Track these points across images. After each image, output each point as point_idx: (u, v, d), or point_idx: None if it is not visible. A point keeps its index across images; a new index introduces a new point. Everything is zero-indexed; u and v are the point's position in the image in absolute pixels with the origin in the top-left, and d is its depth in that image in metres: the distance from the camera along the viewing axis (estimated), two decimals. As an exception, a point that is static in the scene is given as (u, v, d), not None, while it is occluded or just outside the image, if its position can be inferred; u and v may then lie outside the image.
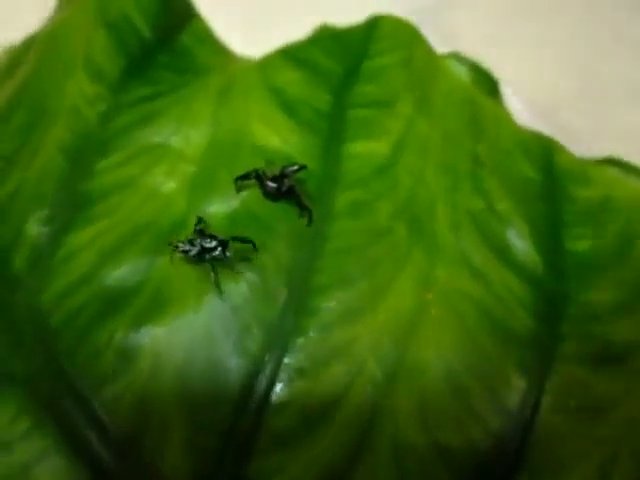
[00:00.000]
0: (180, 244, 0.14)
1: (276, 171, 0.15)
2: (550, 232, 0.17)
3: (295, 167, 0.15)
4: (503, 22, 0.35)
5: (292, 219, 0.15)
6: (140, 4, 0.19)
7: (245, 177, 0.15)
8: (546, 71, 0.33)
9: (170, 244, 0.14)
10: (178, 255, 0.14)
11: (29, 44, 0.20)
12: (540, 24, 0.35)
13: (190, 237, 0.14)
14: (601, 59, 0.34)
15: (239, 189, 0.15)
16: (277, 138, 0.16)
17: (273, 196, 0.15)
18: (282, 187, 0.15)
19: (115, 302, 0.13)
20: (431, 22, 0.34)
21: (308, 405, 0.13)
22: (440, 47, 0.20)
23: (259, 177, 0.15)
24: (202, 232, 0.14)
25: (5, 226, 0.15)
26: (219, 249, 0.14)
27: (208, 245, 0.14)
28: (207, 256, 0.14)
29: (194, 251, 0.14)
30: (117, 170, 0.16)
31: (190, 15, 0.21)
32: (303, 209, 0.15)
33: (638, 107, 0.32)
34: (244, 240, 0.14)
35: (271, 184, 0.15)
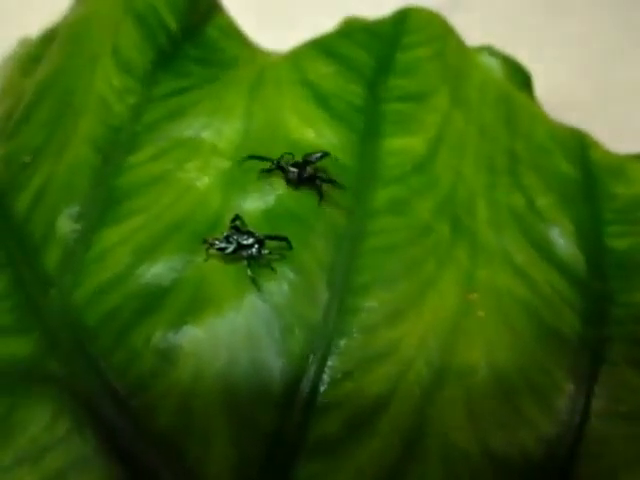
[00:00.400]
0: (216, 241, 0.14)
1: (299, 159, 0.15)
2: (591, 230, 0.16)
3: (318, 154, 0.15)
4: (510, 22, 0.35)
5: (331, 216, 0.14)
6: (167, -5, 0.18)
7: (269, 170, 0.15)
8: (558, 71, 0.32)
9: (205, 241, 0.14)
10: (213, 252, 0.14)
11: (49, 37, 0.20)
12: (550, 24, 0.35)
13: (226, 233, 0.14)
14: (614, 59, 0.34)
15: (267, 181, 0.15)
16: (312, 132, 0.16)
17: (294, 183, 0.15)
18: (303, 174, 0.15)
19: (152, 301, 0.13)
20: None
21: (354, 408, 0.12)
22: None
23: (280, 165, 0.15)
24: (238, 229, 0.14)
25: (35, 222, 0.15)
26: (255, 246, 0.14)
27: (245, 242, 0.14)
28: (243, 253, 0.14)
29: (230, 248, 0.14)
30: (149, 165, 0.15)
31: (215, 8, 0.20)
32: (322, 197, 0.15)
33: None
34: (280, 238, 0.14)
35: (292, 169, 0.15)
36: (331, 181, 0.15)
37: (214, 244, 0.14)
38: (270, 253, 0.14)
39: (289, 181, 0.15)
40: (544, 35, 0.34)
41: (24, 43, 0.22)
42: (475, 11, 0.34)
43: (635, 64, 0.33)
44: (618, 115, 0.31)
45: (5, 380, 0.13)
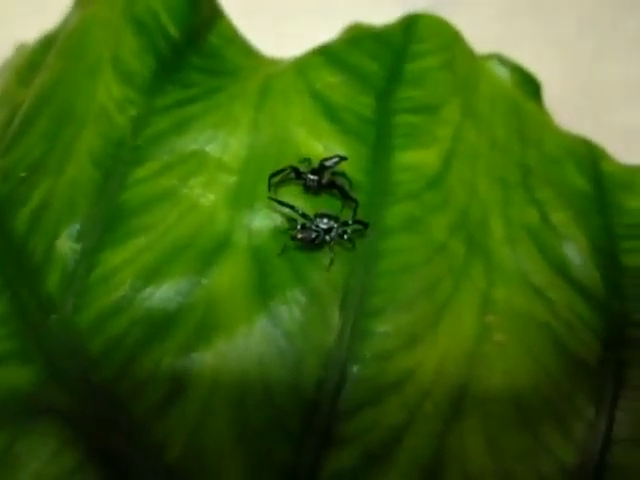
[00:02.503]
0: (298, 233, 0.13)
1: (315, 165, 0.15)
2: (606, 246, 0.16)
3: (335, 159, 0.15)
4: (503, 21, 0.35)
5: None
6: (167, 2, 0.18)
7: (280, 172, 0.14)
8: (548, 69, 0.32)
9: (293, 237, 0.13)
10: (294, 244, 0.13)
11: (48, 43, 0.19)
12: (541, 23, 0.34)
13: (301, 223, 0.13)
14: (604, 59, 0.34)
15: (274, 187, 0.14)
16: (321, 146, 0.15)
17: (315, 189, 0.14)
18: (323, 179, 0.14)
19: (159, 327, 0.12)
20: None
21: (370, 440, 0.12)
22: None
23: (297, 172, 0.14)
24: (307, 215, 0.14)
25: (35, 242, 0.14)
26: (338, 228, 0.13)
27: (326, 226, 0.13)
28: (328, 238, 0.13)
29: (315, 234, 0.13)
30: (153, 181, 0.14)
31: (216, 15, 0.20)
32: (346, 198, 0.14)
33: (638, 104, 0.32)
34: (355, 221, 0.14)
35: (312, 177, 0.14)
36: (349, 185, 0.14)
37: (297, 236, 0.13)
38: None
39: (308, 188, 0.14)
40: (532, 34, 0.34)
41: (21, 49, 0.21)
42: (463, 11, 0.34)
43: (623, 63, 0.33)
44: (607, 113, 0.31)
45: (6, 411, 0.12)
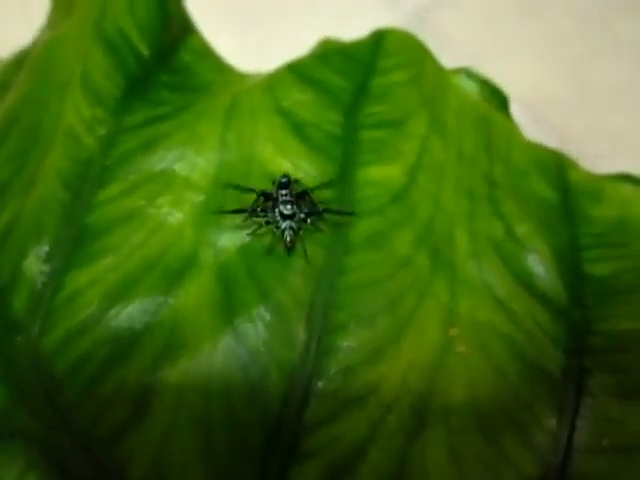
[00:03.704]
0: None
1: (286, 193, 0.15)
2: (570, 256, 0.16)
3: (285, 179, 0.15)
4: (494, 24, 0.35)
5: (308, 253, 0.14)
6: (138, 20, 0.18)
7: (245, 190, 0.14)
8: (538, 74, 0.32)
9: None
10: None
11: (20, 60, 0.19)
12: (532, 26, 0.35)
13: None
14: (594, 61, 0.34)
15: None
16: (289, 164, 0.15)
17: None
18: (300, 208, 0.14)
19: (124, 347, 0.13)
20: (422, 24, 0.33)
21: (334, 455, 0.12)
22: (431, 50, 0.20)
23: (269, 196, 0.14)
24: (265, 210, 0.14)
25: (2, 263, 0.14)
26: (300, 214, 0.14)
27: (289, 212, 0.14)
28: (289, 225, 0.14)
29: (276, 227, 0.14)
30: (120, 201, 0.15)
31: (187, 30, 0.20)
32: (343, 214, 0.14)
33: (630, 110, 0.32)
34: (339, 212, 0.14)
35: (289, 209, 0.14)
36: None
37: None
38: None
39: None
40: (526, 37, 0.34)
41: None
42: (455, 15, 0.34)
43: (613, 65, 0.33)
44: (596, 114, 0.32)
45: (-29, 434, 0.12)
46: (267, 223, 0.14)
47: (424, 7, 0.34)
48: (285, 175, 0.15)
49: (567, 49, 0.34)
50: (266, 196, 0.15)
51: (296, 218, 0.14)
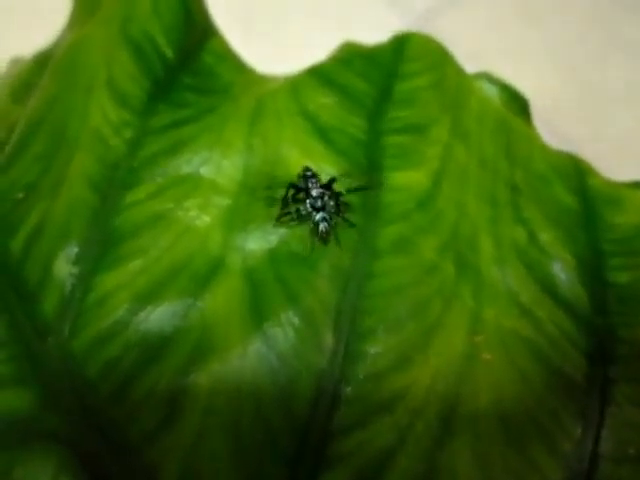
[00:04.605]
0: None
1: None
2: (592, 264, 0.16)
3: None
4: (498, 28, 0.35)
5: (335, 257, 0.14)
6: (163, 22, 0.18)
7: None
8: (544, 76, 0.32)
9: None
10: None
11: (42, 61, 0.19)
12: (538, 29, 0.35)
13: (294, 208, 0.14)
14: (599, 64, 0.34)
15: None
16: (314, 167, 0.15)
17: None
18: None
19: (155, 350, 0.13)
20: (427, 28, 0.33)
21: (362, 461, 0.12)
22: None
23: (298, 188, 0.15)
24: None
25: (31, 265, 0.14)
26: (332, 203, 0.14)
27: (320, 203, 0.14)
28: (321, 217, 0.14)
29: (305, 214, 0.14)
30: (148, 203, 0.15)
31: (210, 32, 0.20)
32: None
33: (635, 113, 0.32)
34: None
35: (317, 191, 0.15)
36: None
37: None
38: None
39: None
40: (530, 40, 0.34)
41: (16, 64, 0.21)
42: (462, 19, 0.34)
43: (618, 68, 0.33)
44: (600, 118, 0.32)
45: (3, 437, 0.12)
46: (299, 217, 0.14)
47: (429, 10, 0.34)
48: (308, 168, 0.15)
49: (571, 53, 0.34)
50: (296, 189, 0.15)
51: (327, 209, 0.14)
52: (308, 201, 0.14)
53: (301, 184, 0.15)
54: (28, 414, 0.12)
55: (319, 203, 0.15)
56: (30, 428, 0.12)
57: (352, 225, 0.14)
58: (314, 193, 0.15)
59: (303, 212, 0.14)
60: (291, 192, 0.14)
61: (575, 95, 0.32)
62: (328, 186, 0.15)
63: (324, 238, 0.14)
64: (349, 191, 0.15)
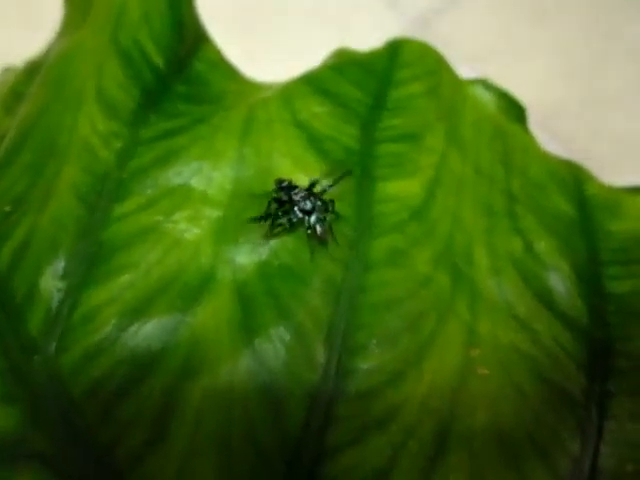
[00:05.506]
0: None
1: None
2: (590, 273, 0.16)
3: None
4: (500, 30, 0.35)
5: (327, 270, 0.14)
6: (153, 31, 0.18)
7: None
8: (543, 79, 0.32)
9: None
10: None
11: (32, 71, 0.19)
12: (537, 31, 0.35)
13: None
14: (601, 65, 0.34)
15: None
16: (306, 179, 0.15)
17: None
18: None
19: (143, 367, 0.12)
20: (427, 30, 0.33)
21: (356, 480, 0.12)
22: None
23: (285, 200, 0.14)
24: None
25: (18, 279, 0.14)
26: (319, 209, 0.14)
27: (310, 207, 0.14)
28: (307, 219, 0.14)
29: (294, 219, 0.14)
30: (137, 216, 0.14)
31: (201, 39, 0.20)
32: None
33: (637, 114, 0.32)
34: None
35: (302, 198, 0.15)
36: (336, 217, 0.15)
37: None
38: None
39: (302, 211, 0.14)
40: (530, 44, 0.34)
41: (6, 73, 0.21)
42: (459, 23, 0.34)
43: (620, 69, 0.33)
44: (602, 119, 0.31)
45: (-12, 456, 0.12)
46: (292, 225, 0.14)
47: (428, 12, 0.34)
48: (280, 180, 0.15)
49: (573, 54, 0.34)
50: (280, 202, 0.14)
51: (317, 209, 0.14)
52: (296, 208, 0.14)
53: (282, 197, 0.14)
54: (13, 433, 0.12)
55: (308, 205, 0.14)
56: (15, 447, 0.12)
57: (340, 216, 0.14)
58: (299, 198, 0.14)
59: (294, 220, 0.14)
60: (274, 206, 0.14)
61: (577, 96, 0.32)
62: (310, 189, 0.15)
63: (322, 239, 0.14)
64: (331, 186, 0.15)
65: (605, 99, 0.32)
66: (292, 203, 0.14)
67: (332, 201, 0.15)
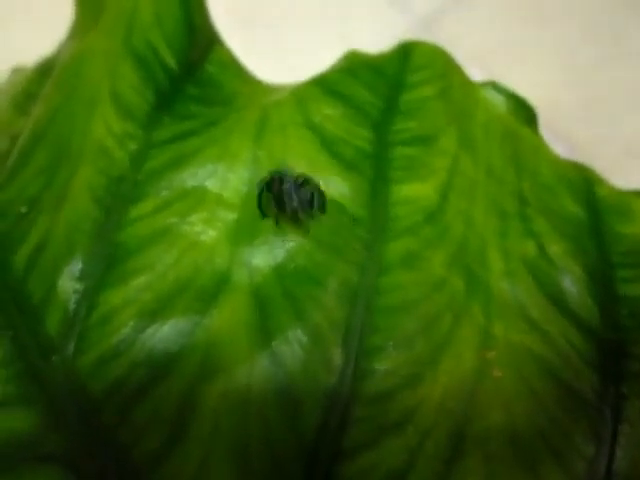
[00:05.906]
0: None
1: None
2: (602, 276, 0.16)
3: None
4: (503, 30, 0.35)
5: (343, 272, 0.14)
6: (166, 33, 0.18)
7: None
8: (548, 80, 0.32)
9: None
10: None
11: (44, 71, 0.19)
12: (541, 32, 0.35)
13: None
14: (604, 67, 0.34)
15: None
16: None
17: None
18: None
19: (160, 369, 0.12)
20: (432, 30, 0.33)
21: (373, 482, 0.12)
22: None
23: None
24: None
25: (35, 281, 0.14)
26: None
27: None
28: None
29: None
30: (152, 218, 0.15)
31: (213, 41, 0.20)
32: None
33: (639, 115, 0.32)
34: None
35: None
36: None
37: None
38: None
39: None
40: (535, 42, 0.34)
41: (16, 73, 0.21)
42: (463, 23, 0.34)
43: (623, 71, 0.33)
44: (606, 121, 0.31)
45: (6, 457, 0.12)
46: (294, 211, 0.14)
47: (433, 12, 0.34)
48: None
49: (576, 55, 0.34)
50: (272, 193, 0.15)
51: (302, 201, 0.14)
52: (285, 197, 0.14)
53: (275, 189, 0.15)
54: (31, 434, 0.12)
55: (295, 198, 0.14)
56: (33, 449, 0.12)
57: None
58: (294, 185, 0.15)
59: (295, 204, 0.14)
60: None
61: (581, 98, 0.32)
62: (302, 181, 0.15)
63: (323, 205, 0.14)
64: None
65: (610, 101, 0.32)
66: (281, 193, 0.15)
67: (322, 193, 0.15)
